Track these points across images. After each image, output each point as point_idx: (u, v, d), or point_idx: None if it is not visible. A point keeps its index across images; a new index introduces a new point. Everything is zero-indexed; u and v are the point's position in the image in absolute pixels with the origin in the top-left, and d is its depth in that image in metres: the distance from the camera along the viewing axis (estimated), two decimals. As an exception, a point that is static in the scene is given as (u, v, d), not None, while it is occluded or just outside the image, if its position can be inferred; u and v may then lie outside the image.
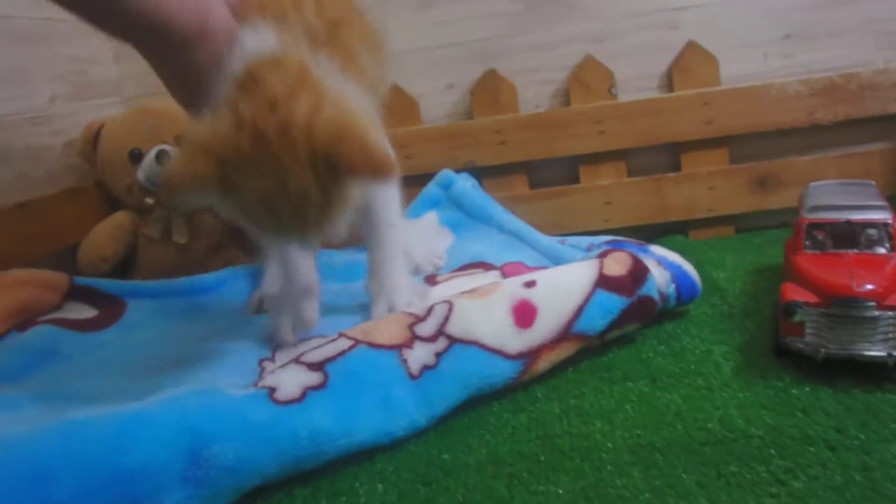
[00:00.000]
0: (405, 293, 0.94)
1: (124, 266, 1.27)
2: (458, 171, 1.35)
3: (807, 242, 0.82)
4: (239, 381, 0.75)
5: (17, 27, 1.22)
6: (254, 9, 0.72)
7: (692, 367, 0.81)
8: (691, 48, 1.31)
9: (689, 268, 0.95)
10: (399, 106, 1.37)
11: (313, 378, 0.71)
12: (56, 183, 1.26)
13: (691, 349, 0.85)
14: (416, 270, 1.11)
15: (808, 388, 0.73)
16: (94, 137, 1.28)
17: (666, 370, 0.81)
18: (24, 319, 0.97)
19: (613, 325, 0.85)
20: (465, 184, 1.32)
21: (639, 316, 0.87)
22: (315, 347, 0.75)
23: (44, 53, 1.27)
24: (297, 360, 0.73)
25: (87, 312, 1.04)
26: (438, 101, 1.40)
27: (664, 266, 0.93)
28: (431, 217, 1.29)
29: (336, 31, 0.76)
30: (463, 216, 1.29)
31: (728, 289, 1.02)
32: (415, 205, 1.32)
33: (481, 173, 1.37)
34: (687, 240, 1.31)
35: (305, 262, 0.88)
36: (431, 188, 1.34)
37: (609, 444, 0.68)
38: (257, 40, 0.70)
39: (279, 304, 0.90)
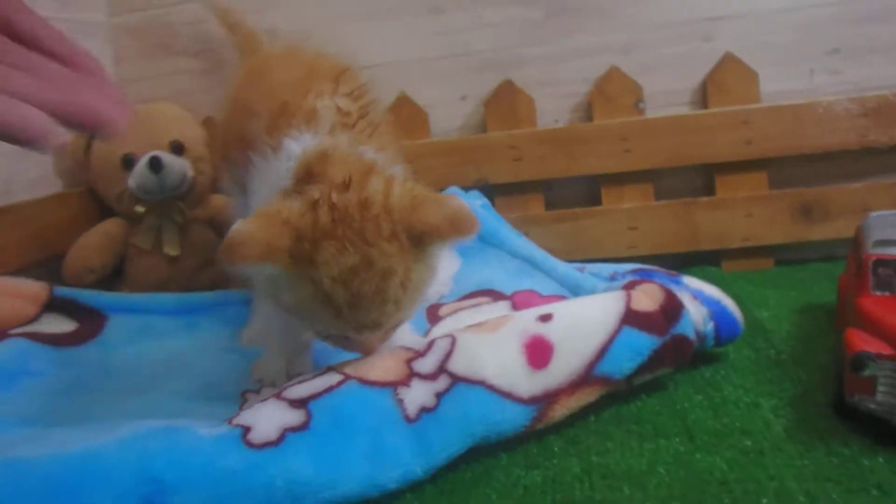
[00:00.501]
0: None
1: (112, 277, 1.20)
2: (468, 188, 1.26)
3: (873, 282, 0.71)
4: (217, 413, 0.67)
5: (11, 23, 1.15)
6: (289, 120, 0.74)
7: (737, 423, 0.70)
8: (729, 61, 1.21)
9: (729, 303, 0.85)
10: (407, 117, 1.29)
11: (294, 417, 0.61)
12: (45, 188, 1.19)
13: (734, 401, 0.75)
14: None
15: (881, 459, 0.61)
16: (86, 141, 1.21)
17: (705, 426, 0.70)
18: (-6, 333, 0.90)
19: (643, 369, 0.75)
20: (475, 203, 1.21)
21: (672, 358, 0.77)
22: (299, 382, 0.66)
23: (37, 51, 1.20)
24: (278, 396, 0.64)
25: (65, 326, 0.96)
26: (449, 113, 1.32)
27: (701, 301, 0.83)
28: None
29: (367, 121, 0.78)
30: (473, 240, 1.19)
31: (774, 330, 0.92)
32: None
33: (494, 191, 1.29)
34: (720, 272, 1.21)
35: None
36: None
37: (641, 515, 0.58)
38: (299, 144, 0.72)
39: (272, 346, 0.84)
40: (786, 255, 1.24)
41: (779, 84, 1.22)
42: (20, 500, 0.52)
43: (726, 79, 1.22)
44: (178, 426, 0.59)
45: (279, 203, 0.66)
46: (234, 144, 0.84)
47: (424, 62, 1.31)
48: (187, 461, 0.55)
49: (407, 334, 0.82)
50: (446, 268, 1.11)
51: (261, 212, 0.66)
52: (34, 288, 0.98)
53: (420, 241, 0.66)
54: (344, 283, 0.64)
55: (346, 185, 0.66)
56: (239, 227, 0.63)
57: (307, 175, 0.68)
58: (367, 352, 0.70)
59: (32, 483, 0.52)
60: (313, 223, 0.64)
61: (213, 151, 1.25)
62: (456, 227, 0.66)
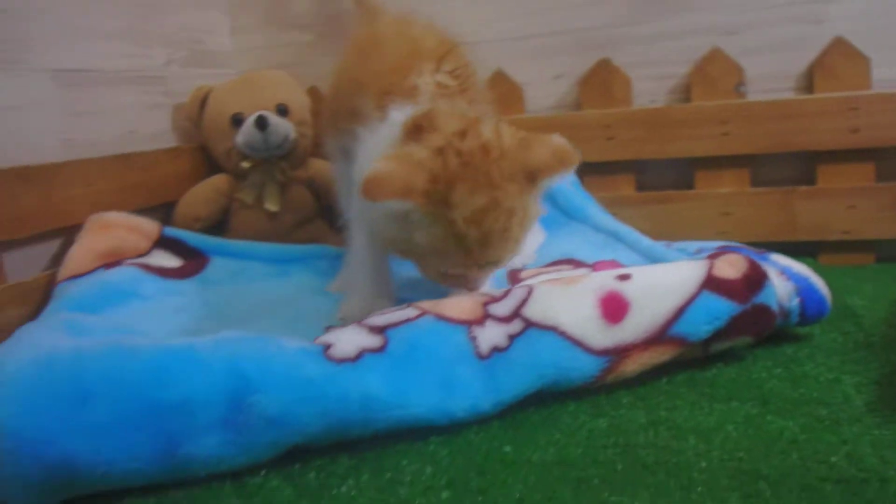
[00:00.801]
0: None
1: (216, 227, 1.27)
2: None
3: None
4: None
5: (141, -8, 1.25)
6: (392, 97, 0.80)
7: (814, 394, 0.69)
8: (838, 45, 1.16)
9: (817, 280, 0.82)
10: (502, 93, 1.30)
11: (372, 340, 0.65)
12: (161, 141, 1.28)
13: (814, 376, 0.73)
14: None
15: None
16: (201, 101, 1.29)
17: (781, 394, 0.69)
18: (113, 260, 0.98)
19: (720, 335, 0.74)
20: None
21: (752, 328, 0.76)
22: (380, 314, 0.69)
23: (164, 19, 1.30)
24: (359, 323, 0.68)
25: (171, 262, 1.05)
26: (544, 91, 1.32)
27: (787, 276, 0.81)
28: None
29: (465, 95, 0.83)
30: (557, 214, 1.20)
31: (865, 316, 0.88)
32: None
33: (584, 170, 1.27)
34: (816, 264, 1.16)
35: (384, 268, 0.89)
36: None
37: (703, 464, 0.58)
38: (402, 113, 0.77)
39: (359, 289, 0.89)
40: (889, 252, 1.18)
41: (891, 71, 1.15)
42: (127, 374, 0.58)
43: (835, 63, 1.16)
44: (266, 336, 0.64)
45: (408, 148, 0.71)
46: (343, 116, 0.89)
47: (522, 40, 1.32)
48: (272, 364, 0.60)
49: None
50: (532, 238, 1.12)
51: (394, 154, 0.71)
52: (148, 225, 1.07)
53: (534, 178, 0.73)
54: (476, 222, 0.70)
55: (463, 133, 0.71)
56: (378, 166, 0.68)
57: (416, 130, 0.73)
58: (474, 289, 0.77)
59: (139, 361, 0.59)
60: (444, 166, 0.69)
61: (317, 118, 1.31)
62: (562, 160, 0.72)
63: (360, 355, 0.63)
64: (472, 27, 1.32)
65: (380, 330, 0.66)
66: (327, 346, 0.63)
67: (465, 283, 0.77)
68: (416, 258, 0.76)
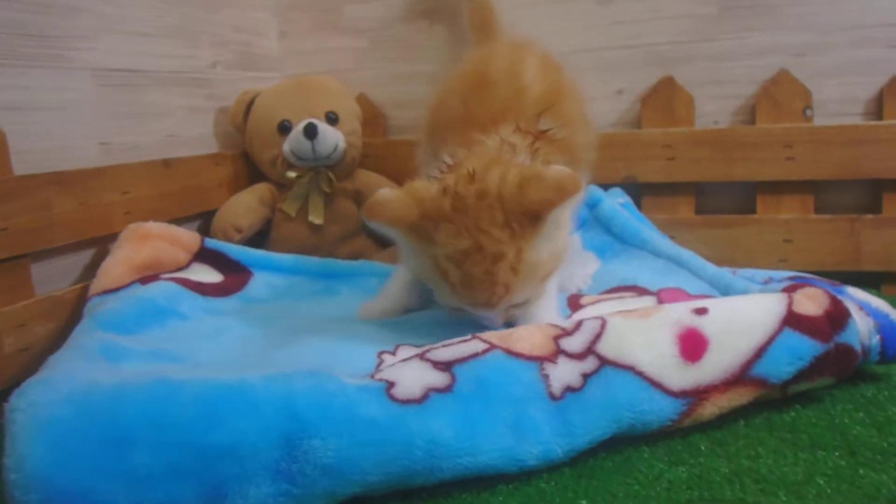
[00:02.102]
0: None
1: (257, 239, 1.23)
2: (614, 185, 1.22)
3: None
4: (354, 370, 0.66)
5: (190, -11, 1.22)
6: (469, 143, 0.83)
7: (905, 444, 0.64)
8: (911, 71, 1.12)
9: (898, 317, 0.78)
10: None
11: (439, 379, 0.60)
12: (202, 147, 1.25)
13: (901, 422, 0.68)
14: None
15: None
16: (247, 106, 1.25)
17: (868, 443, 0.65)
18: (150, 274, 0.94)
19: (802, 376, 0.69)
20: (615, 202, 1.18)
21: (834, 368, 0.71)
22: (443, 345, 0.65)
23: (211, 19, 1.26)
24: (421, 357, 0.63)
25: (212, 276, 1.00)
26: (605, 107, 1.29)
27: (867, 312, 0.77)
28: (575, 241, 1.16)
29: (542, 116, 0.86)
30: (611, 240, 1.15)
31: (946, 354, 0.84)
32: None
33: (642, 190, 1.24)
34: (880, 295, 1.11)
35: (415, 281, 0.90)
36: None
37: (797, 524, 0.53)
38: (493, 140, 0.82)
39: (385, 290, 0.94)
40: (954, 285, 1.14)
41: (967, 100, 1.11)
42: (172, 414, 0.53)
43: (907, 90, 1.12)
44: (323, 372, 0.59)
45: (422, 183, 0.76)
46: (438, 132, 0.93)
47: (584, 52, 1.28)
48: (330, 404, 0.56)
49: (552, 313, 0.81)
50: (585, 266, 1.08)
51: (405, 186, 0.76)
52: (188, 237, 1.02)
53: (536, 217, 0.72)
54: (457, 263, 0.72)
55: (471, 177, 0.73)
56: (382, 192, 0.75)
57: (448, 167, 0.79)
58: (491, 326, 0.77)
59: (183, 400, 0.54)
60: (438, 206, 0.73)
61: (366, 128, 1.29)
62: (562, 190, 0.71)
63: (426, 395, 0.58)
64: (536, 37, 1.28)
65: (446, 366, 0.61)
66: (390, 385, 0.59)
67: (480, 320, 0.78)
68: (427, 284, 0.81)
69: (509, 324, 0.79)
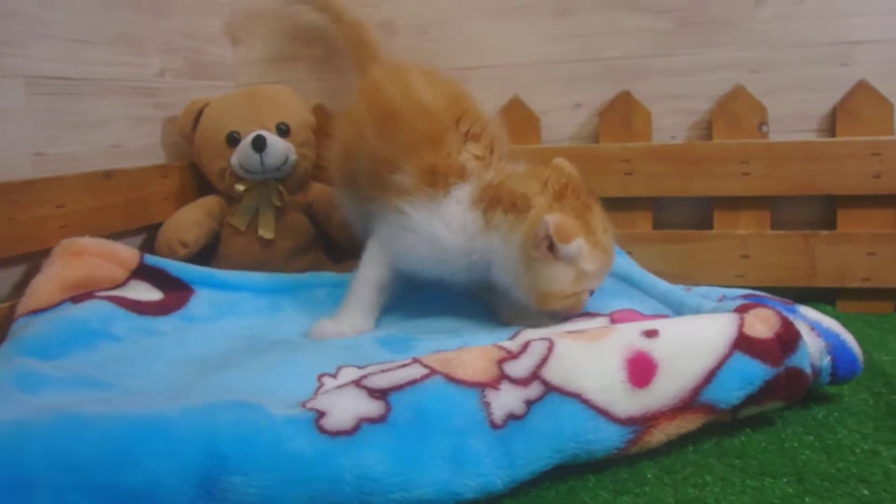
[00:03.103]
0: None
1: (204, 254, 1.19)
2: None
3: None
4: (290, 396, 0.64)
5: (138, -7, 1.18)
6: (445, 178, 0.91)
7: (853, 469, 0.63)
8: (862, 89, 1.13)
9: (849, 338, 0.78)
10: (518, 121, 1.24)
11: (373, 408, 0.57)
12: (149, 158, 1.20)
13: (849, 446, 0.68)
14: None
15: None
16: (196, 115, 1.21)
17: (818, 469, 0.64)
18: (83, 292, 0.89)
19: (752, 400, 0.68)
20: None
21: (785, 392, 0.70)
22: (381, 371, 0.62)
23: (159, 25, 1.22)
24: (356, 383, 0.60)
25: (151, 294, 0.96)
26: (562, 121, 1.27)
27: (818, 333, 0.76)
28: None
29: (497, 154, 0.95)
30: None
31: (895, 375, 0.83)
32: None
33: (601, 205, 1.22)
34: (834, 311, 1.12)
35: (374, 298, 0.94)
36: None
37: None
38: (463, 191, 0.90)
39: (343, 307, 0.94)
40: (910, 302, 1.14)
41: (915, 117, 1.12)
42: (79, 454, 0.50)
43: (858, 107, 1.13)
44: (249, 402, 0.56)
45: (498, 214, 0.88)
46: (365, 183, 0.98)
47: (542, 66, 1.26)
48: (253, 439, 0.52)
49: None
50: None
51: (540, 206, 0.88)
52: (126, 253, 0.97)
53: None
54: (597, 241, 0.88)
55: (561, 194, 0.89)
56: (557, 217, 0.85)
57: (496, 197, 0.88)
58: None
59: (92, 438, 0.50)
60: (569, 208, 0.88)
61: (323, 140, 1.27)
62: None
63: (357, 426, 0.55)
64: (488, 51, 1.27)
65: (382, 394, 0.58)
66: (320, 415, 0.55)
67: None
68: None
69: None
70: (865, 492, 0.60)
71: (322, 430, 0.54)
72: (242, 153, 1.15)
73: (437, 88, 0.98)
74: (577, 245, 0.83)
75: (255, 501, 0.51)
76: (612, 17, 1.23)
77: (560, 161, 0.95)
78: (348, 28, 1.24)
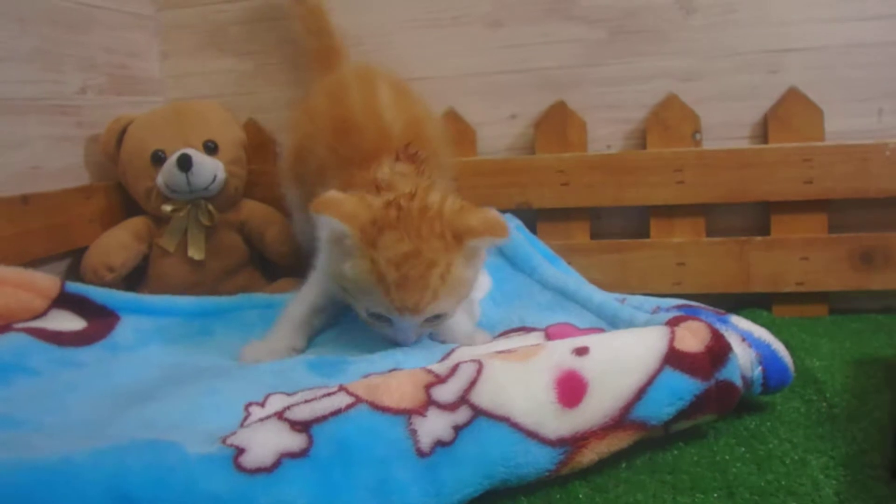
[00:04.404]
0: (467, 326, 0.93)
1: (133, 277, 1.15)
2: (508, 211, 1.20)
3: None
4: (214, 428, 0.61)
5: (54, 8, 1.13)
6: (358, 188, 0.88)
7: (782, 482, 0.64)
8: (792, 96, 1.15)
9: (780, 347, 0.78)
10: (454, 133, 1.24)
11: (295, 442, 0.56)
12: (71, 179, 1.16)
13: (780, 456, 0.68)
14: None
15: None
16: (119, 133, 1.17)
17: (748, 482, 0.64)
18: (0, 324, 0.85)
19: (683, 415, 0.68)
20: (509, 224, 1.16)
21: (716, 406, 0.70)
22: (305, 401, 0.60)
23: (78, 40, 1.18)
24: (279, 416, 0.58)
25: (73, 324, 0.91)
26: (498, 132, 1.27)
27: (749, 343, 0.77)
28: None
29: (420, 165, 0.93)
30: (504, 263, 1.14)
31: (826, 381, 0.85)
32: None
33: (537, 216, 1.23)
34: (771, 316, 1.14)
35: (308, 319, 0.93)
36: None
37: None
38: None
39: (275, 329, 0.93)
40: (841, 304, 1.16)
41: (845, 122, 1.14)
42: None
43: (789, 114, 1.15)
44: (163, 441, 0.53)
45: (364, 195, 0.83)
46: (307, 182, 0.99)
47: (476, 77, 1.26)
48: (166, 481, 0.50)
49: (466, 325, 0.92)
50: (480, 285, 1.06)
51: (351, 193, 0.83)
52: (45, 282, 0.92)
53: (460, 237, 0.81)
54: (396, 265, 0.79)
55: (412, 195, 0.82)
56: (334, 193, 0.83)
57: (376, 188, 0.86)
58: (403, 341, 0.85)
59: (-3, 487, 0.47)
60: (385, 215, 0.80)
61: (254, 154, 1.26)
62: (490, 228, 0.82)
63: (278, 462, 0.53)
64: (422, 63, 1.26)
65: (304, 427, 0.56)
66: (239, 452, 0.53)
67: (393, 335, 0.85)
68: (350, 295, 0.85)
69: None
70: (794, 504, 0.60)
71: (240, 469, 0.52)
72: (168, 173, 1.11)
73: (400, 107, 0.99)
74: (331, 225, 0.81)
75: None
76: (545, 27, 1.23)
77: (470, 207, 0.87)
78: (308, 13, 1.21)
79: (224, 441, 0.55)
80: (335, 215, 0.79)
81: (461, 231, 0.81)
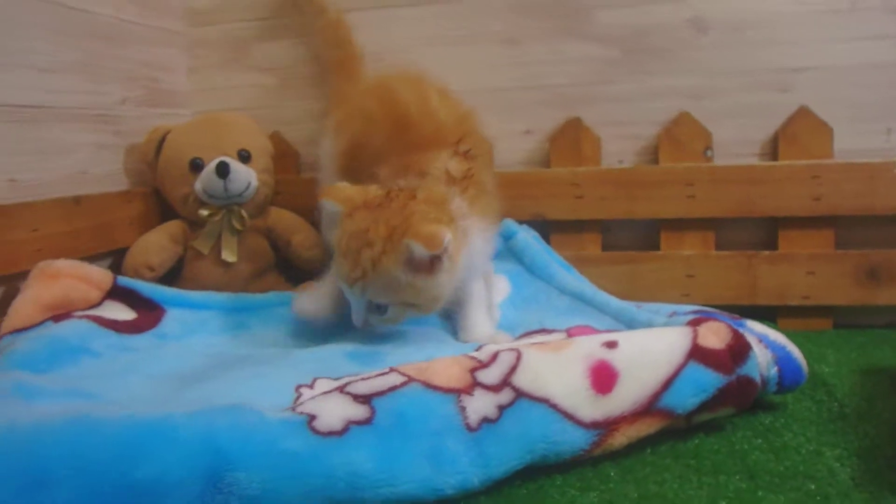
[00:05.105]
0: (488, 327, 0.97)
1: (169, 277, 1.21)
2: (522, 222, 1.25)
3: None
4: (273, 404, 0.66)
5: (97, 24, 1.19)
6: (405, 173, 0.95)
7: (800, 468, 0.68)
8: (803, 114, 1.19)
9: (794, 349, 0.83)
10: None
11: (358, 412, 0.61)
12: (113, 183, 1.22)
13: (795, 447, 0.73)
14: None
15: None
16: (158, 143, 1.23)
17: (767, 467, 0.68)
18: (62, 312, 0.91)
19: (705, 407, 0.73)
20: (527, 236, 1.22)
21: (736, 399, 0.75)
22: (361, 379, 0.65)
23: (119, 54, 1.24)
24: (340, 390, 0.63)
25: (125, 314, 0.98)
26: (513, 146, 1.32)
27: (766, 345, 0.81)
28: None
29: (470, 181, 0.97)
30: (522, 270, 1.18)
31: (836, 385, 0.89)
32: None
33: (551, 227, 1.27)
34: (776, 328, 1.17)
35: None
36: None
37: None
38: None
39: (321, 288, 1.01)
40: (846, 319, 1.19)
41: (854, 141, 1.18)
42: (92, 452, 0.52)
43: (799, 132, 1.19)
44: (243, 406, 0.59)
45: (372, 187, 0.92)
46: (363, 169, 1.01)
47: (491, 93, 1.31)
48: (251, 438, 0.55)
49: (486, 328, 0.96)
50: (497, 293, 1.11)
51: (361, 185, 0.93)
52: (99, 275, 0.99)
53: (401, 235, 0.84)
54: (349, 237, 0.87)
55: (411, 194, 0.89)
56: (341, 183, 0.93)
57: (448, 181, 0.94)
58: (356, 322, 0.90)
59: (105, 437, 0.53)
60: (371, 201, 0.88)
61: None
62: (423, 239, 0.83)
63: (346, 428, 0.58)
64: (442, 76, 1.30)
65: (365, 399, 0.62)
66: (311, 418, 0.59)
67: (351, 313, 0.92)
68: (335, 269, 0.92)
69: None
70: (812, 486, 0.64)
71: (314, 431, 0.58)
72: (206, 179, 1.17)
73: (449, 105, 1.05)
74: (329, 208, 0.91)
75: (258, 496, 0.54)
76: (559, 45, 1.28)
77: (422, 215, 0.90)
78: (328, 24, 1.27)
79: (294, 409, 0.60)
80: (335, 199, 0.89)
81: (402, 230, 0.84)
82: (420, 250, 0.83)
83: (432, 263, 0.85)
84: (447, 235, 0.83)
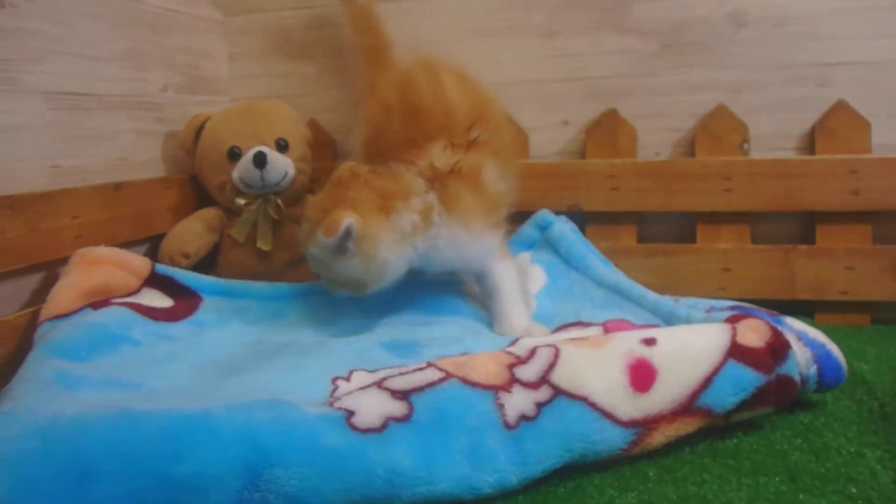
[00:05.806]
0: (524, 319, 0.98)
1: (203, 265, 1.21)
2: (559, 213, 1.25)
3: None
4: (309, 397, 0.67)
5: (142, 12, 1.20)
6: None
7: (841, 469, 0.67)
8: (840, 108, 1.18)
9: (834, 348, 0.82)
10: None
11: (397, 408, 0.61)
12: (152, 170, 1.23)
13: (836, 448, 0.72)
14: None
15: None
16: (197, 130, 1.23)
17: (807, 469, 0.68)
18: (101, 299, 0.92)
19: (744, 406, 0.72)
20: (565, 226, 1.21)
21: (775, 399, 0.74)
22: (399, 374, 0.66)
23: (163, 42, 1.25)
24: (378, 385, 0.64)
25: (163, 301, 0.99)
26: (550, 137, 1.32)
27: (805, 343, 0.80)
28: (524, 258, 1.20)
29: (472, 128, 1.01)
30: (558, 261, 1.18)
31: (876, 383, 0.88)
32: (509, 244, 1.21)
33: (586, 218, 1.27)
34: (813, 323, 1.15)
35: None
36: (527, 228, 1.24)
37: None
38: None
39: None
40: (884, 314, 1.18)
41: (892, 136, 1.17)
42: (134, 446, 0.53)
43: (837, 126, 1.18)
44: (283, 401, 0.59)
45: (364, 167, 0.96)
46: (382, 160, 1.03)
47: (530, 84, 1.31)
48: (291, 434, 0.56)
49: (522, 320, 0.97)
50: (532, 283, 1.11)
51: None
52: (138, 262, 1.01)
53: (322, 216, 0.89)
54: (308, 206, 0.96)
55: (351, 179, 0.94)
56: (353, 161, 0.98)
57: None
58: None
59: (147, 431, 0.54)
60: (346, 178, 0.94)
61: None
62: (324, 225, 0.87)
63: (385, 425, 0.59)
64: (478, 70, 1.29)
65: (404, 395, 0.62)
66: (350, 414, 0.59)
67: None
68: None
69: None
70: (854, 490, 0.64)
71: (353, 428, 0.58)
72: (244, 169, 1.17)
73: (464, 91, 1.05)
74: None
75: (296, 492, 0.54)
76: (597, 38, 1.28)
77: (346, 199, 0.94)
78: (358, 12, 1.27)
79: (332, 405, 0.61)
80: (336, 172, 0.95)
81: (329, 212, 0.89)
82: (320, 234, 0.88)
83: (337, 248, 0.88)
84: (346, 223, 0.86)
